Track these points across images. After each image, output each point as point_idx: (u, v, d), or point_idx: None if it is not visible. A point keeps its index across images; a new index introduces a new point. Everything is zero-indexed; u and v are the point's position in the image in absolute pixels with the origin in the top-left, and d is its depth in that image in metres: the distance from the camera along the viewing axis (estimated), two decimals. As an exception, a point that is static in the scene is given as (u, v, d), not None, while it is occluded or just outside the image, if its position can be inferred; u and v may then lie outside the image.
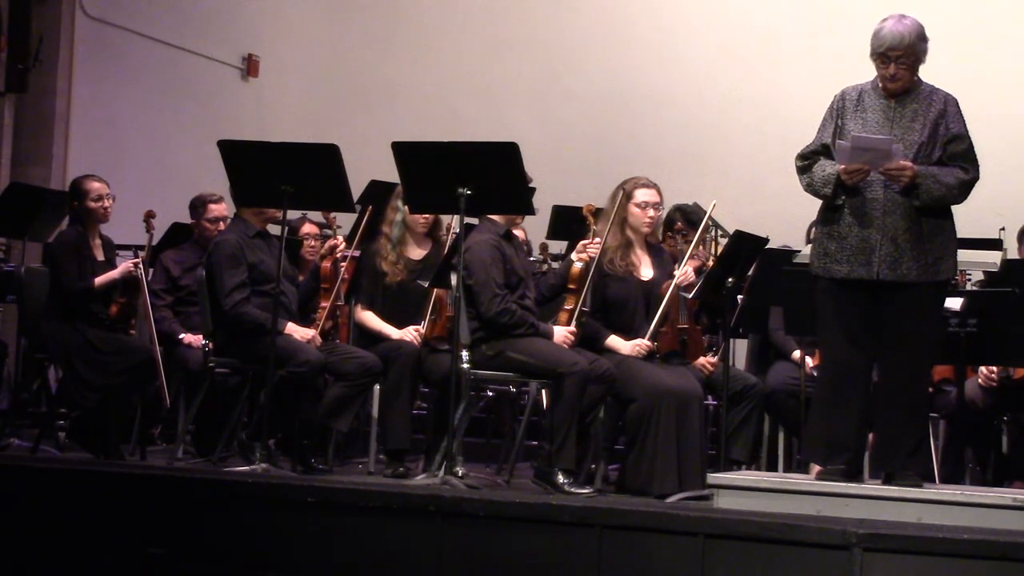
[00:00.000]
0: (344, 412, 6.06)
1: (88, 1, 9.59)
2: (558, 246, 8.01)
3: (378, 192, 7.20)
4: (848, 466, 5.05)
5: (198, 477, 5.29)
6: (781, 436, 6.65)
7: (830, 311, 5.11)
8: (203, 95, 10.63)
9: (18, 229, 7.20)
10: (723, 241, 7.95)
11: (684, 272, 5.98)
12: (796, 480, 5.27)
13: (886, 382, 5.12)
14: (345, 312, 6.65)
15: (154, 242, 6.91)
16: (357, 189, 6.52)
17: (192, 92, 10.53)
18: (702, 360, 6.15)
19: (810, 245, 5.32)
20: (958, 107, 5.11)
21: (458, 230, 5.69)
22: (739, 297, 6.36)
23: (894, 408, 5.06)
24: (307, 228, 7.25)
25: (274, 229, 6.19)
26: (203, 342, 6.12)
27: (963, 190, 5.01)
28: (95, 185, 6.45)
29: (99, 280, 6.33)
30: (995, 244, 7.28)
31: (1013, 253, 7.08)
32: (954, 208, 5.09)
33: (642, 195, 6.03)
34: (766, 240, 6.29)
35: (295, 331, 6.01)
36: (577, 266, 5.94)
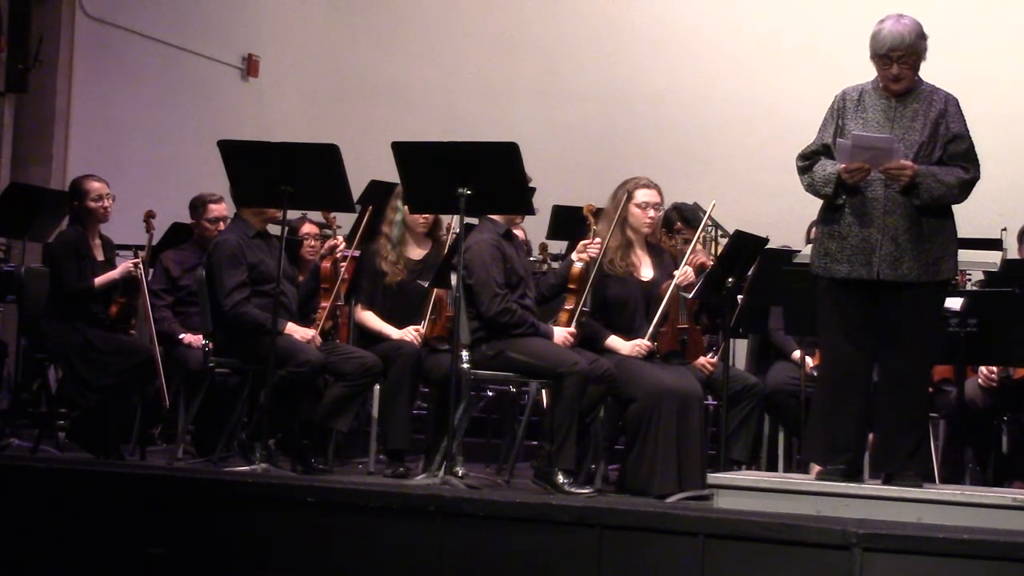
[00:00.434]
0: (344, 412, 6.05)
1: (88, 1, 9.58)
2: (558, 246, 8.01)
3: (378, 192, 7.20)
4: (848, 466, 5.05)
5: (198, 477, 5.29)
6: (781, 436, 6.65)
7: (830, 311, 5.11)
8: (203, 95, 10.63)
9: (18, 229, 7.21)
10: (723, 241, 7.95)
11: (684, 272, 5.98)
12: (796, 480, 5.28)
13: (886, 382, 5.12)
14: (345, 312, 6.65)
15: (154, 242, 6.91)
16: (357, 189, 6.52)
17: (192, 92, 10.53)
18: (702, 360, 6.15)
19: (810, 245, 5.32)
20: (958, 107, 5.11)
21: (458, 230, 5.69)
22: (739, 297, 6.36)
23: (894, 408, 5.06)
24: (307, 228, 7.25)
25: (274, 229, 6.19)
26: (203, 342, 6.12)
27: (964, 189, 5.01)
28: (95, 185, 6.45)
29: (99, 280, 6.34)
30: (995, 244, 7.28)
31: (1013, 253, 7.08)
32: (955, 208, 5.09)
33: (643, 195, 6.02)
34: (766, 240, 6.29)
35: (295, 331, 6.01)
36: (577, 266, 5.94)
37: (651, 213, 6.05)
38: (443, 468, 5.48)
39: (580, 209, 6.25)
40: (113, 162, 9.00)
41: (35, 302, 6.70)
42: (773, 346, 6.73)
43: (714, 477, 5.22)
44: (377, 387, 6.22)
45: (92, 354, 6.22)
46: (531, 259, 7.08)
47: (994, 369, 6.17)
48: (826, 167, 5.06)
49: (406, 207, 6.24)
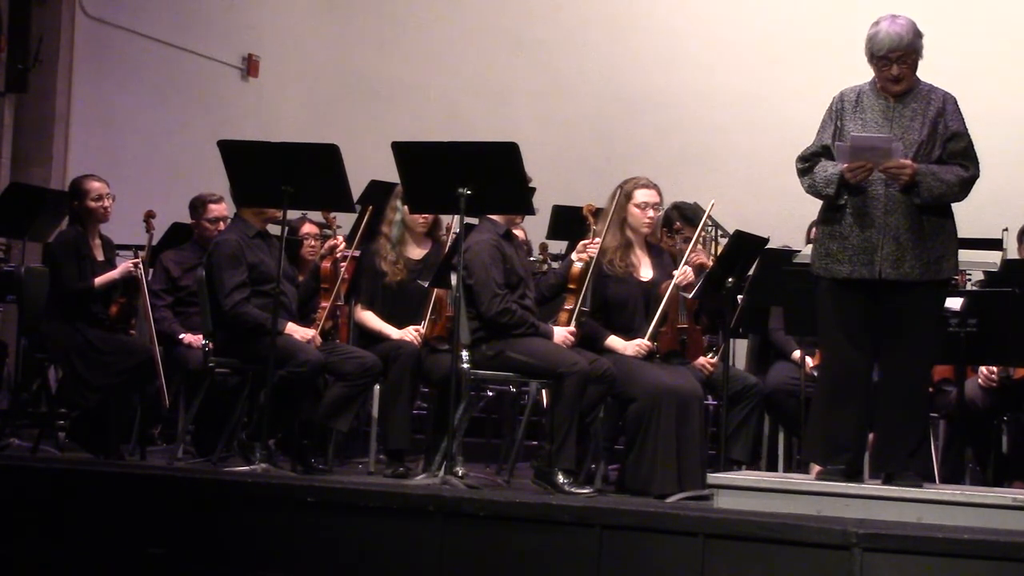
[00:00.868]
0: (344, 412, 6.05)
1: (88, 1, 9.58)
2: (558, 246, 8.01)
3: (378, 192, 7.19)
4: (848, 466, 5.05)
5: (198, 477, 5.30)
6: (781, 436, 6.65)
7: (831, 311, 5.11)
8: (203, 95, 10.62)
9: (18, 229, 7.21)
10: (723, 241, 7.95)
11: (684, 272, 5.98)
12: (796, 480, 5.27)
13: (886, 382, 5.12)
14: (345, 312, 6.65)
15: (154, 242, 6.91)
16: (357, 189, 6.52)
17: (192, 92, 10.53)
18: (702, 360, 6.15)
19: (810, 245, 5.32)
20: (956, 105, 5.11)
21: (458, 230, 5.69)
22: (739, 297, 6.36)
23: (894, 408, 5.06)
24: (307, 228, 7.24)
25: (274, 229, 6.19)
26: (203, 342, 6.12)
27: (963, 187, 5.01)
28: (95, 185, 6.45)
29: (99, 280, 6.33)
30: (995, 244, 7.27)
31: (1013, 253, 7.08)
32: (955, 208, 5.10)
33: (642, 196, 6.02)
34: (766, 240, 6.29)
35: (295, 331, 6.01)
36: (577, 266, 5.94)
37: (650, 213, 6.04)
38: (443, 468, 5.48)
39: (580, 209, 6.25)
40: (113, 162, 9.00)
41: (35, 302, 6.70)
42: (773, 346, 6.74)
43: (714, 477, 5.22)
44: (377, 387, 6.22)
45: (92, 354, 6.22)
46: (531, 259, 7.08)
47: (994, 369, 6.17)
48: (827, 168, 5.06)
49: (406, 207, 6.24)
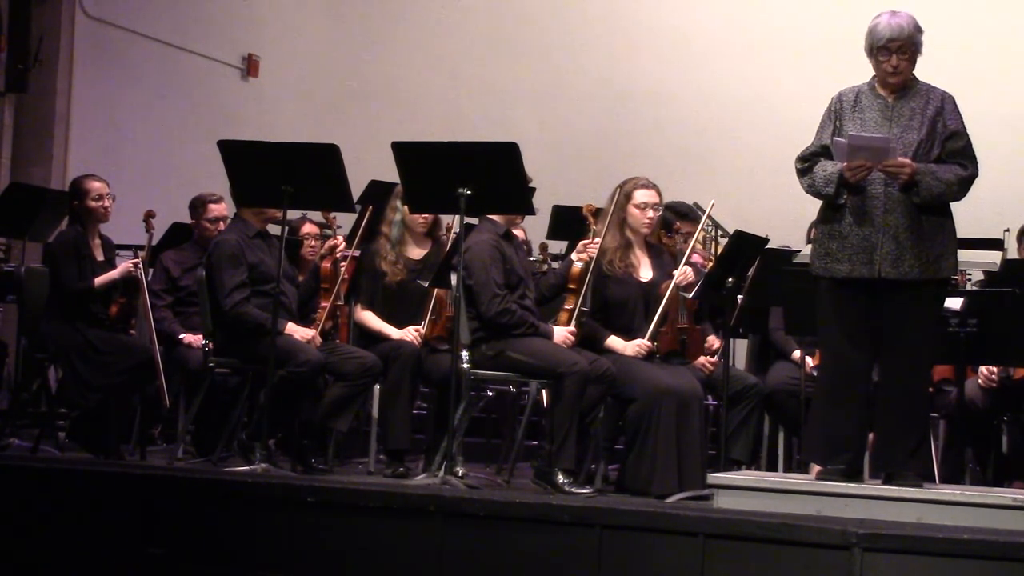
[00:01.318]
0: (344, 412, 6.05)
1: (88, 1, 9.58)
2: (558, 246, 8.01)
3: (378, 192, 7.19)
4: (848, 466, 5.05)
5: (198, 477, 5.29)
6: (781, 436, 6.65)
7: (830, 311, 5.11)
8: (203, 95, 10.63)
9: (18, 229, 7.20)
10: (723, 241, 7.95)
11: (683, 272, 5.98)
12: (796, 480, 5.27)
13: (886, 382, 5.12)
14: (345, 312, 6.65)
15: (154, 242, 6.91)
16: (357, 189, 6.52)
17: (192, 92, 10.53)
18: (702, 360, 6.15)
19: (810, 245, 5.32)
20: (955, 104, 5.12)
21: (458, 230, 5.69)
22: (739, 297, 6.36)
23: (894, 408, 5.06)
24: (307, 228, 7.25)
25: (274, 229, 6.19)
26: (203, 342, 6.12)
27: (962, 186, 5.02)
28: (95, 185, 6.46)
29: (99, 280, 6.33)
30: (995, 244, 7.27)
31: (1013, 253, 7.08)
32: (956, 208, 5.10)
33: (641, 196, 6.02)
34: (766, 240, 6.29)
35: (295, 331, 6.01)
36: (577, 266, 5.94)
37: (650, 213, 6.04)
38: (443, 468, 5.47)
39: (580, 209, 6.25)
40: (113, 162, 9.00)
41: (35, 302, 6.70)
42: (773, 346, 6.73)
43: (714, 477, 5.21)
44: (377, 387, 6.22)
45: (92, 354, 6.22)
46: (531, 259, 7.08)
47: (994, 369, 6.17)
48: (826, 167, 5.07)
49: (406, 207, 6.24)
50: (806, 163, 5.15)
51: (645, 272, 6.09)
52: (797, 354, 6.54)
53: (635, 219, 6.04)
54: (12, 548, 5.16)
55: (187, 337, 6.67)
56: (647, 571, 4.51)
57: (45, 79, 9.35)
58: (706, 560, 4.42)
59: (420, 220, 6.46)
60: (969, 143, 5.08)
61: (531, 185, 5.77)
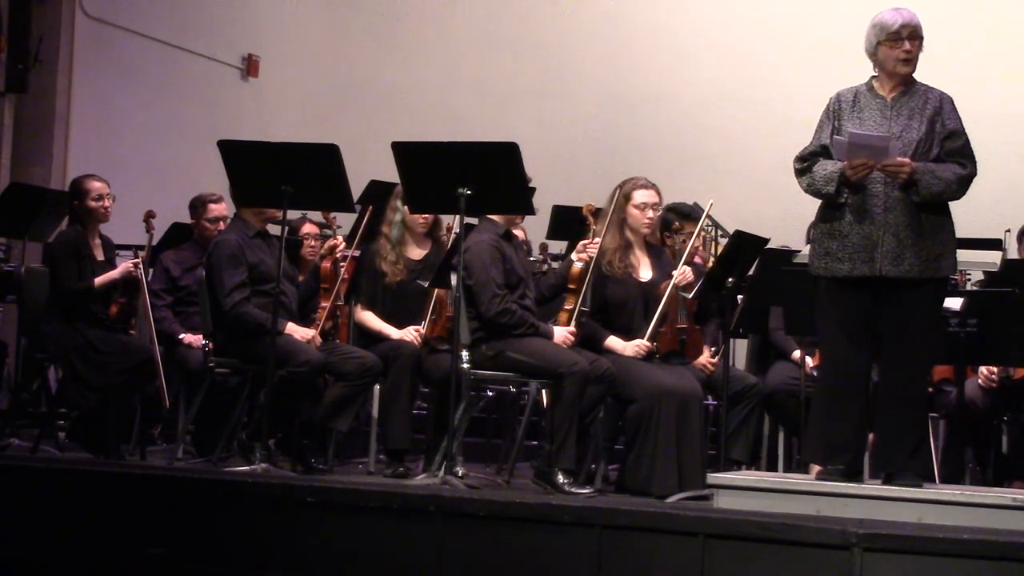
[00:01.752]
0: (344, 412, 6.05)
1: (88, 1, 9.58)
2: (558, 246, 8.00)
3: (378, 192, 7.19)
4: (848, 466, 5.05)
5: (198, 477, 5.29)
6: (781, 436, 6.65)
7: (830, 311, 5.11)
8: (203, 95, 10.63)
9: (18, 229, 7.19)
10: (723, 241, 7.94)
11: (683, 272, 5.98)
12: (796, 480, 5.27)
13: (886, 382, 5.12)
14: (345, 312, 6.65)
15: (154, 242, 6.91)
16: (357, 189, 6.52)
17: (192, 92, 10.53)
18: (702, 360, 6.15)
19: (810, 245, 5.32)
20: (953, 104, 5.13)
21: (458, 230, 5.69)
22: (739, 297, 6.36)
23: (894, 408, 5.06)
24: (307, 228, 7.25)
25: (274, 229, 6.19)
26: (203, 342, 6.12)
27: (961, 185, 5.02)
28: (95, 185, 6.45)
29: (99, 280, 6.33)
30: (995, 244, 7.27)
31: (1013, 253, 7.08)
32: (956, 208, 5.10)
33: (641, 196, 6.02)
34: (766, 240, 6.28)
35: (295, 331, 6.01)
36: (577, 266, 5.94)
37: (649, 213, 6.04)
38: (443, 468, 5.47)
39: (580, 209, 6.24)
40: (113, 162, 8.99)
41: (35, 302, 6.70)
42: (773, 346, 6.74)
43: (714, 477, 5.22)
44: (377, 387, 6.22)
45: (92, 354, 6.22)
46: (531, 259, 7.08)
47: (994, 369, 6.17)
48: (826, 166, 5.07)
49: (406, 207, 6.24)
50: (805, 163, 5.15)
51: (645, 272, 6.08)
52: (797, 354, 6.54)
53: (635, 219, 6.04)
54: (12, 548, 5.16)
55: (187, 337, 6.67)
56: (647, 571, 4.51)
57: (45, 79, 9.35)
58: (706, 560, 4.42)
59: (420, 220, 6.46)
60: (968, 142, 5.09)
61: (531, 185, 5.77)
